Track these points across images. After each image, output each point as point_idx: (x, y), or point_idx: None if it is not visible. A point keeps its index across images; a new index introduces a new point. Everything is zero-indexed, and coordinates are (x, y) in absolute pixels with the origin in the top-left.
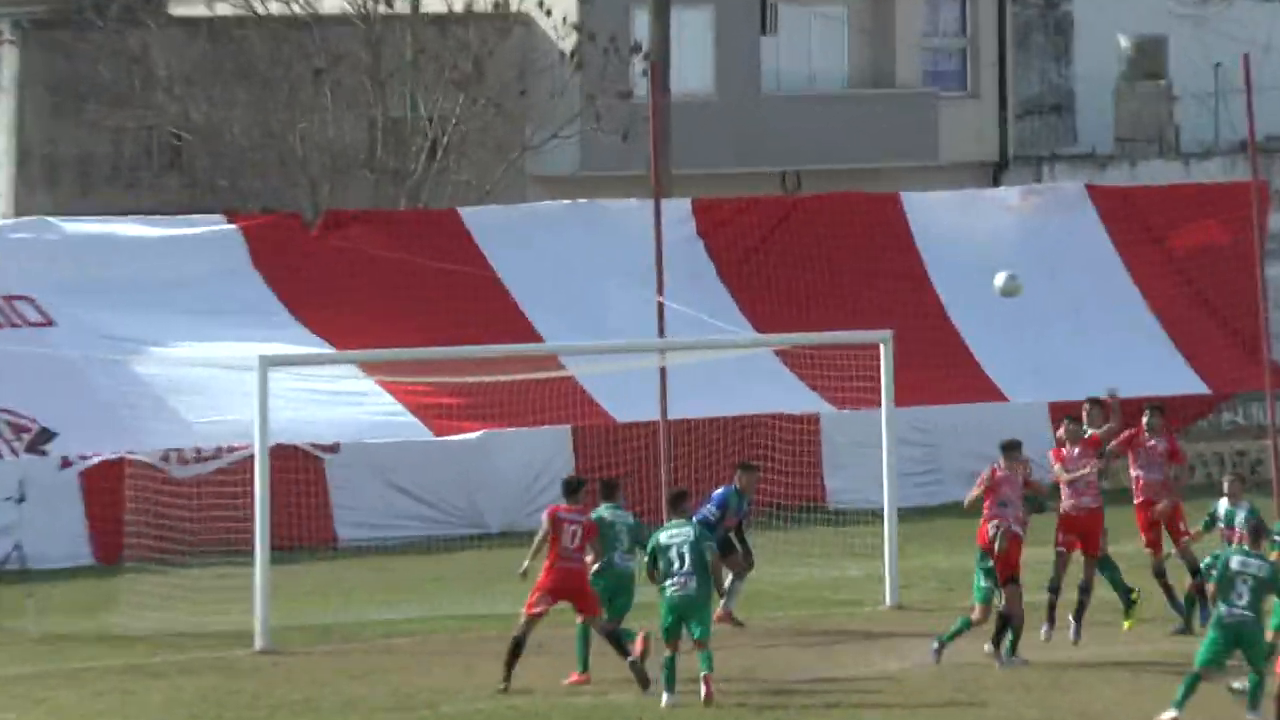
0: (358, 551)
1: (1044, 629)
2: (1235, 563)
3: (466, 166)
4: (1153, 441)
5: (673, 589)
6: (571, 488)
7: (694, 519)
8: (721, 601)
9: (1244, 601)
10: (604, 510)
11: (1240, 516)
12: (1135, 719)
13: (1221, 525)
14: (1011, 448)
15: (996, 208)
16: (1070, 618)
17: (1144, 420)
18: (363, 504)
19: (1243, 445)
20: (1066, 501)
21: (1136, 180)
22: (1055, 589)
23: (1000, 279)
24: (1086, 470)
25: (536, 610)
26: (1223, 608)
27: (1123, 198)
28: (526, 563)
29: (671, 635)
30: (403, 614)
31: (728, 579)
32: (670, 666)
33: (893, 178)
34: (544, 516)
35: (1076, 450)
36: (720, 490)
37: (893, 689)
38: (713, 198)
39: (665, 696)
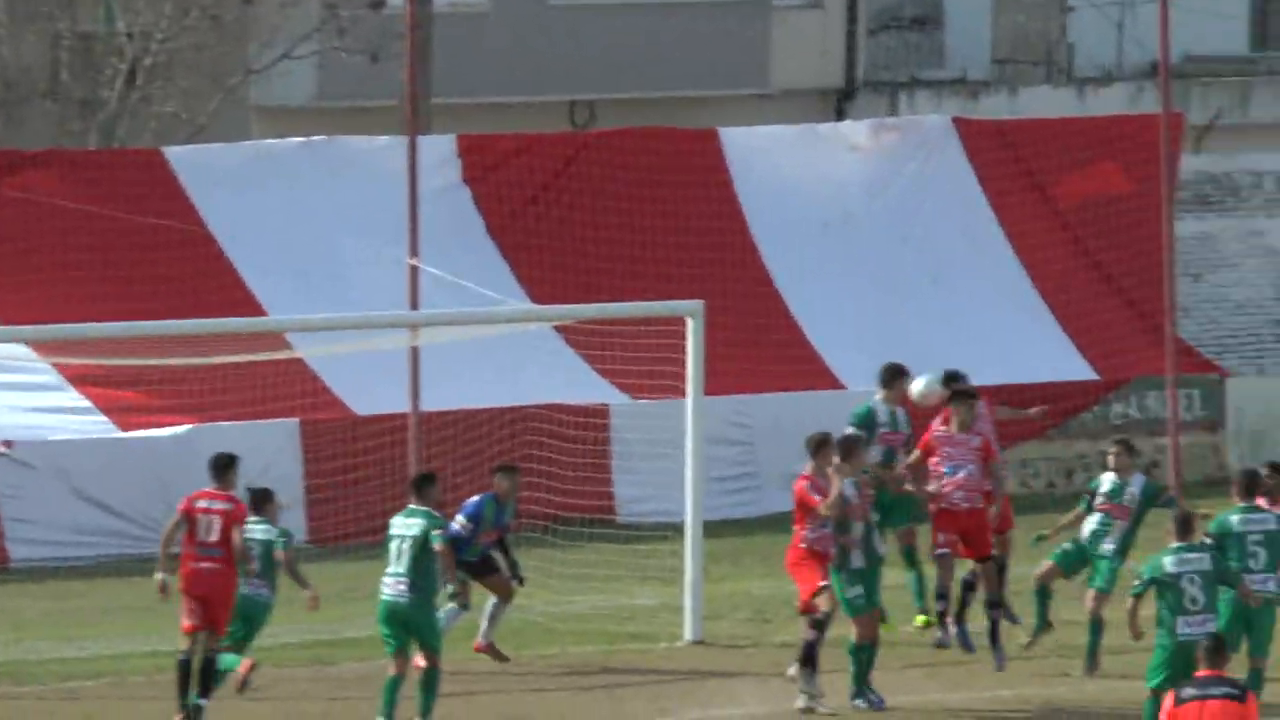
0: (33, 574)
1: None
2: (1170, 564)
3: (174, 95)
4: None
5: (385, 590)
6: (219, 465)
7: (440, 524)
8: (481, 629)
9: (1200, 606)
10: (251, 521)
11: (1132, 492)
12: None
13: (1104, 501)
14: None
15: (840, 147)
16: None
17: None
18: (39, 517)
19: (1136, 444)
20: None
21: (1018, 112)
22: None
23: (919, 385)
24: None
25: (189, 625)
26: (1177, 622)
27: (999, 134)
28: (159, 574)
29: (392, 649)
30: (89, 651)
31: (489, 603)
32: (390, 691)
33: (712, 109)
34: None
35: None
36: (474, 499)
37: None
38: (483, 134)
39: None
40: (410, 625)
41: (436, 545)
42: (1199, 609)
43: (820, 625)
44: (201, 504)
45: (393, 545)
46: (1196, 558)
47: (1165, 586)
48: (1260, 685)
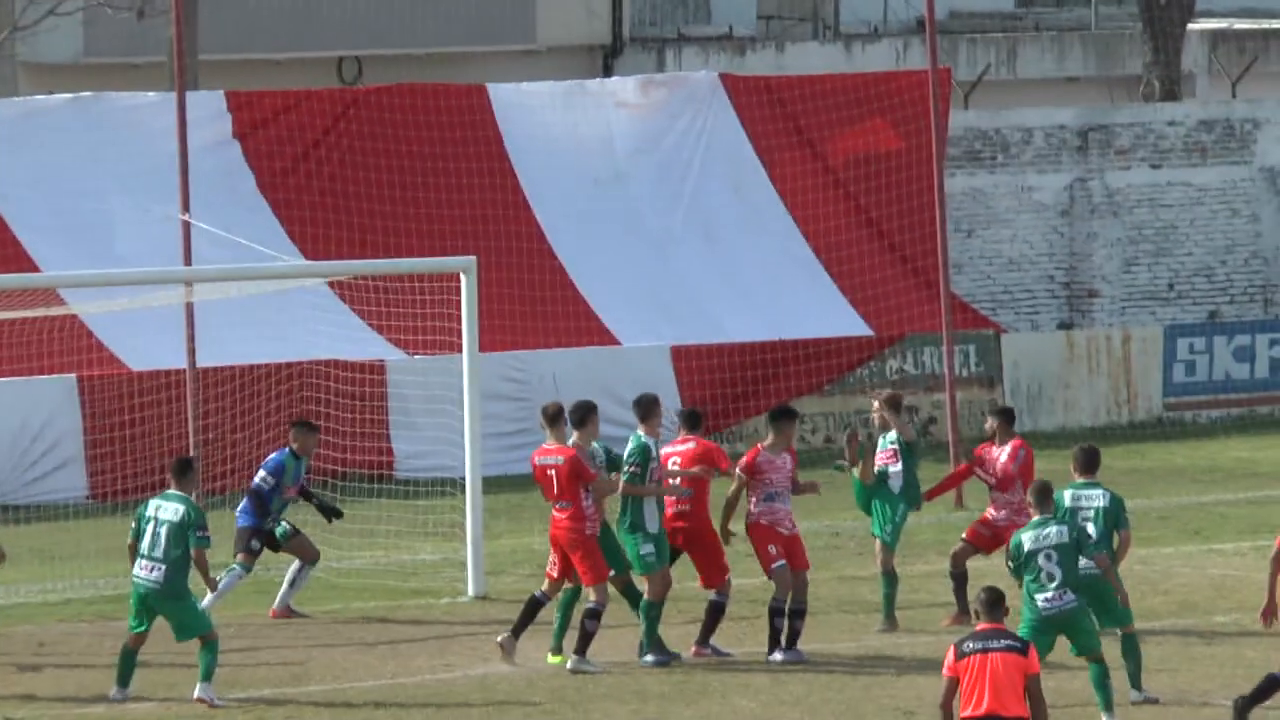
0: None
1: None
2: (1028, 540)
3: None
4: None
5: (139, 574)
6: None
7: (199, 522)
8: (280, 593)
9: (1056, 582)
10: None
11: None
12: None
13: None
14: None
15: (608, 103)
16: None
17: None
18: None
19: (912, 399)
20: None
21: (785, 69)
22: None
23: None
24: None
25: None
26: (1036, 598)
27: (767, 91)
28: None
29: (136, 628)
30: None
31: (292, 567)
32: (125, 660)
33: (480, 65)
34: None
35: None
36: (274, 455)
37: (477, 695)
38: (252, 91)
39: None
40: (165, 610)
41: (193, 549)
42: (1056, 584)
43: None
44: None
45: (147, 527)
46: (1054, 532)
47: (1027, 562)
48: (1137, 650)
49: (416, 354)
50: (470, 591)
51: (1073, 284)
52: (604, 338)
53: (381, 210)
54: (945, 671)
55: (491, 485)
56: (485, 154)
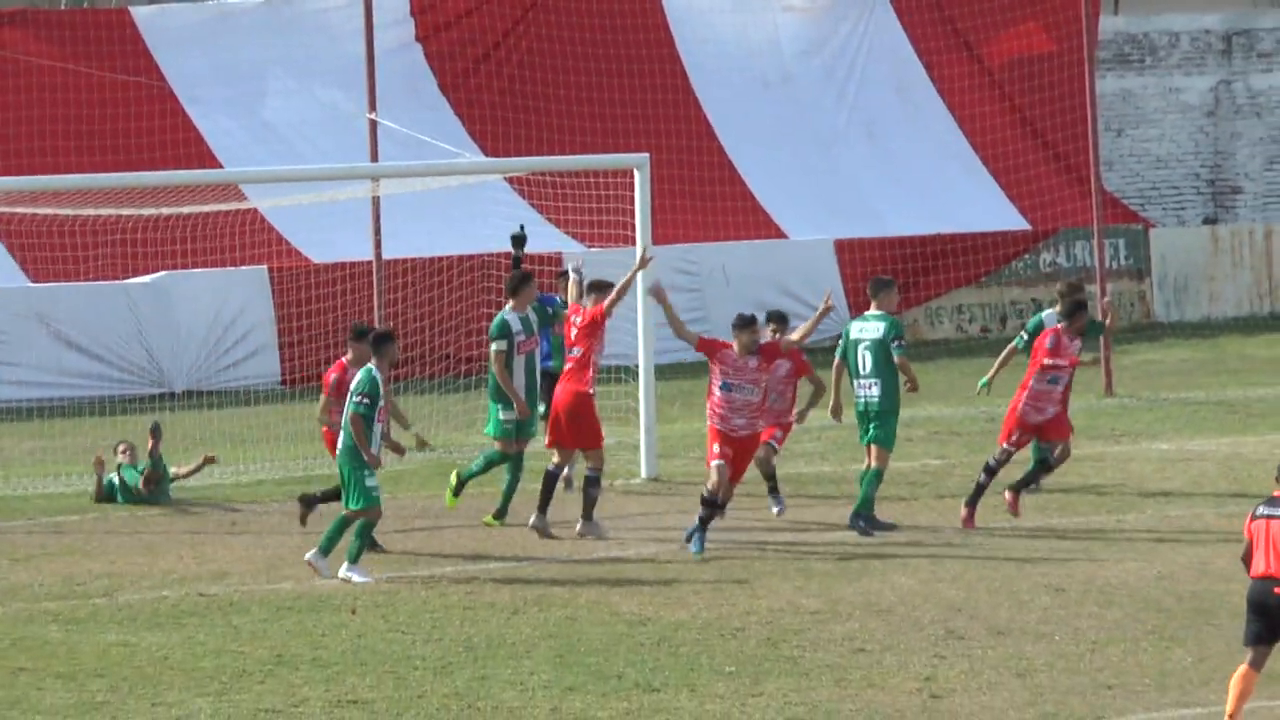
0: (16, 414)
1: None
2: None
3: None
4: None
5: None
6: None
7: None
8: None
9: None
10: None
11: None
12: (936, 608)
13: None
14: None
15: (775, 7)
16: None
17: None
18: (21, 359)
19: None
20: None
21: None
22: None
23: None
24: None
25: None
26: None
27: None
28: None
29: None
30: (72, 487)
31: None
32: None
33: None
34: None
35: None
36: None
37: (649, 573)
38: None
39: None
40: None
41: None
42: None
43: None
44: None
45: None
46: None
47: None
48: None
49: (594, 247)
50: (644, 473)
51: (1217, 181)
52: (771, 231)
53: (558, 110)
54: (1245, 533)
55: (663, 372)
56: (658, 56)
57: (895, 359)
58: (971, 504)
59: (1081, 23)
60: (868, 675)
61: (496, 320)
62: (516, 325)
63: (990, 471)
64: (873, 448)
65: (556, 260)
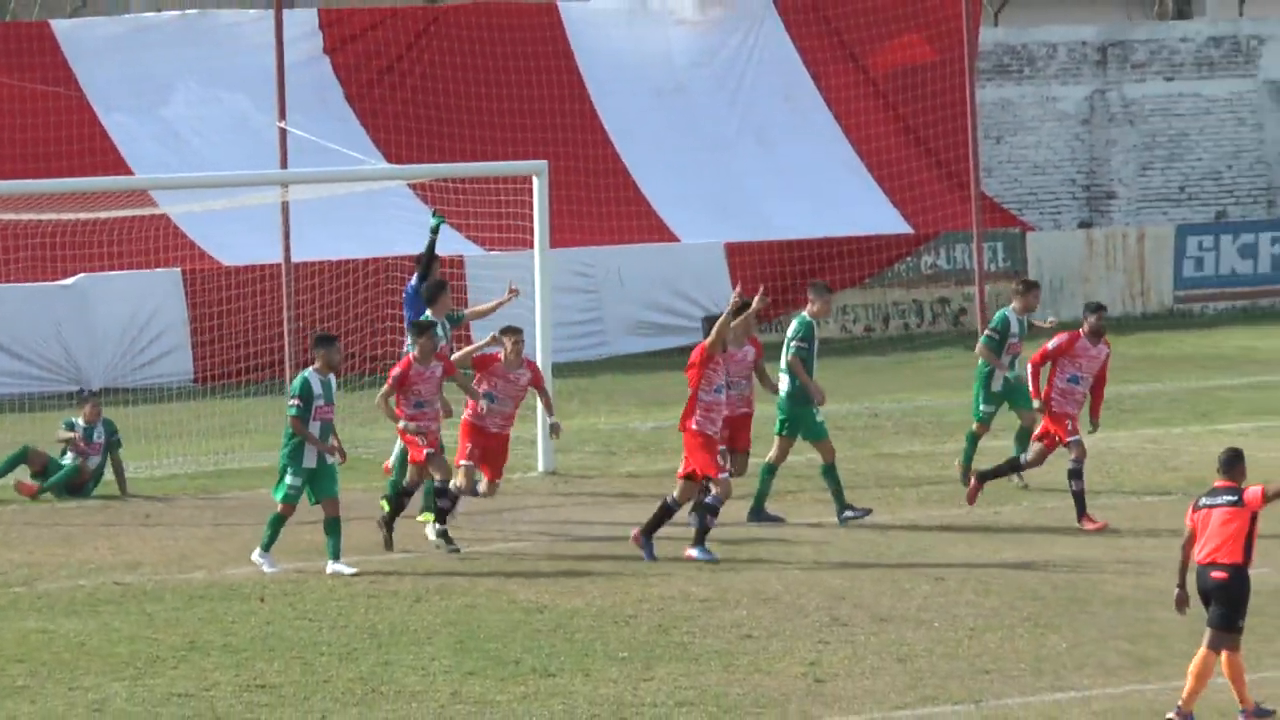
0: None
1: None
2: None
3: None
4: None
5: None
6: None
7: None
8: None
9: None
10: None
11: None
12: (820, 596)
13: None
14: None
15: (670, 21)
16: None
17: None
18: None
19: (945, 292)
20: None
21: None
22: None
23: None
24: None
25: None
26: None
27: (815, 9)
28: None
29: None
30: None
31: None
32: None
33: None
34: None
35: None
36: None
37: (546, 564)
38: (342, 9)
39: None
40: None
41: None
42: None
43: None
44: None
45: None
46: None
47: None
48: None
49: (493, 250)
50: (540, 467)
51: (1092, 186)
52: (664, 235)
53: (460, 119)
54: (1188, 522)
55: (560, 370)
56: (556, 67)
57: (787, 357)
58: (1080, 511)
59: (963, 34)
60: (755, 660)
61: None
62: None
63: (1074, 476)
64: (775, 439)
65: (460, 263)
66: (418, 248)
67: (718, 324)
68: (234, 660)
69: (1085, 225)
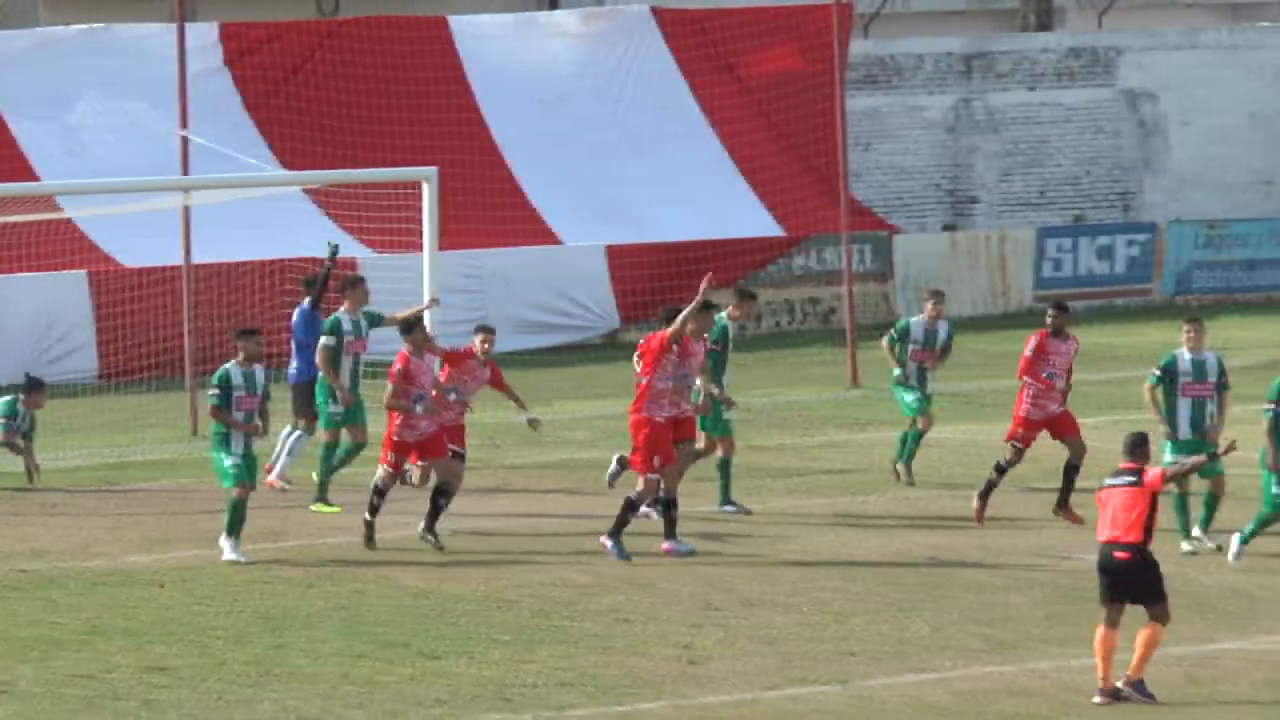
0: None
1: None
2: None
3: None
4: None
5: None
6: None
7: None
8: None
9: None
10: None
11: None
12: (695, 583)
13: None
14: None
15: (554, 33)
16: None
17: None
18: None
19: (815, 292)
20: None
21: (708, 2)
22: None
23: None
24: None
25: None
26: None
27: (692, 22)
28: None
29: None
30: None
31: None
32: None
33: None
34: None
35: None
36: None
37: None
38: (242, 22)
39: None
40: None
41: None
42: None
43: None
44: None
45: None
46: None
47: None
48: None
49: (384, 253)
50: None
51: (956, 191)
52: (548, 238)
53: (354, 128)
54: (1097, 501)
55: None
56: (446, 78)
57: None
58: (983, 498)
59: (834, 46)
60: (631, 643)
61: (331, 318)
62: (348, 326)
63: (1000, 470)
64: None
65: (353, 266)
66: (313, 251)
67: (681, 315)
68: (134, 644)
69: (949, 228)
